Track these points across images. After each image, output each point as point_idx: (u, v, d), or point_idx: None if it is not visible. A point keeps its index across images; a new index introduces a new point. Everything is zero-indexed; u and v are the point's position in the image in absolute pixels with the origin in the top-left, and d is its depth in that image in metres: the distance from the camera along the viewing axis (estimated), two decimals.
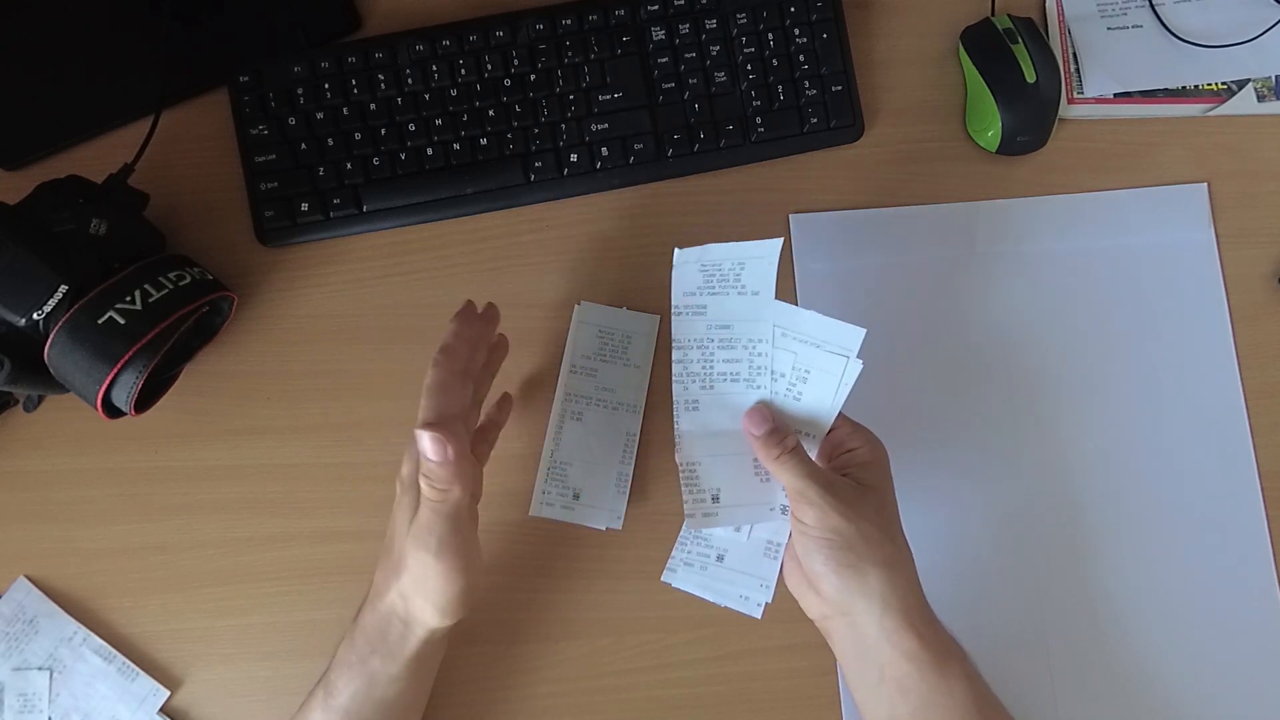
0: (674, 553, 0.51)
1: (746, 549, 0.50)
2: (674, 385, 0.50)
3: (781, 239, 0.49)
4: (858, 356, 0.47)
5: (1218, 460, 0.59)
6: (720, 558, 0.51)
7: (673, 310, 0.50)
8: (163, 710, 0.56)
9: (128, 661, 0.56)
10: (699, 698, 0.56)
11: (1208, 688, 0.57)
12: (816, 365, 0.48)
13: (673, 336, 0.50)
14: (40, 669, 0.56)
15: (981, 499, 0.58)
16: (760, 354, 0.49)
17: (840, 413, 0.49)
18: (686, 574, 0.51)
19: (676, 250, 0.49)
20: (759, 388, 0.50)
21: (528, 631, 0.57)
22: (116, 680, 0.56)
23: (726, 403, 0.50)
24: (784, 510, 0.50)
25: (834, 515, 0.45)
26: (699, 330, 0.50)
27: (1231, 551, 0.58)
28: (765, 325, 0.49)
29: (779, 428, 0.48)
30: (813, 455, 0.49)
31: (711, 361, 0.50)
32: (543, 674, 0.57)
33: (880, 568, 0.46)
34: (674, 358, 0.50)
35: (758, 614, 0.51)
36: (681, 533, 0.51)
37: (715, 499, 0.49)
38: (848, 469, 0.48)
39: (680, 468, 0.50)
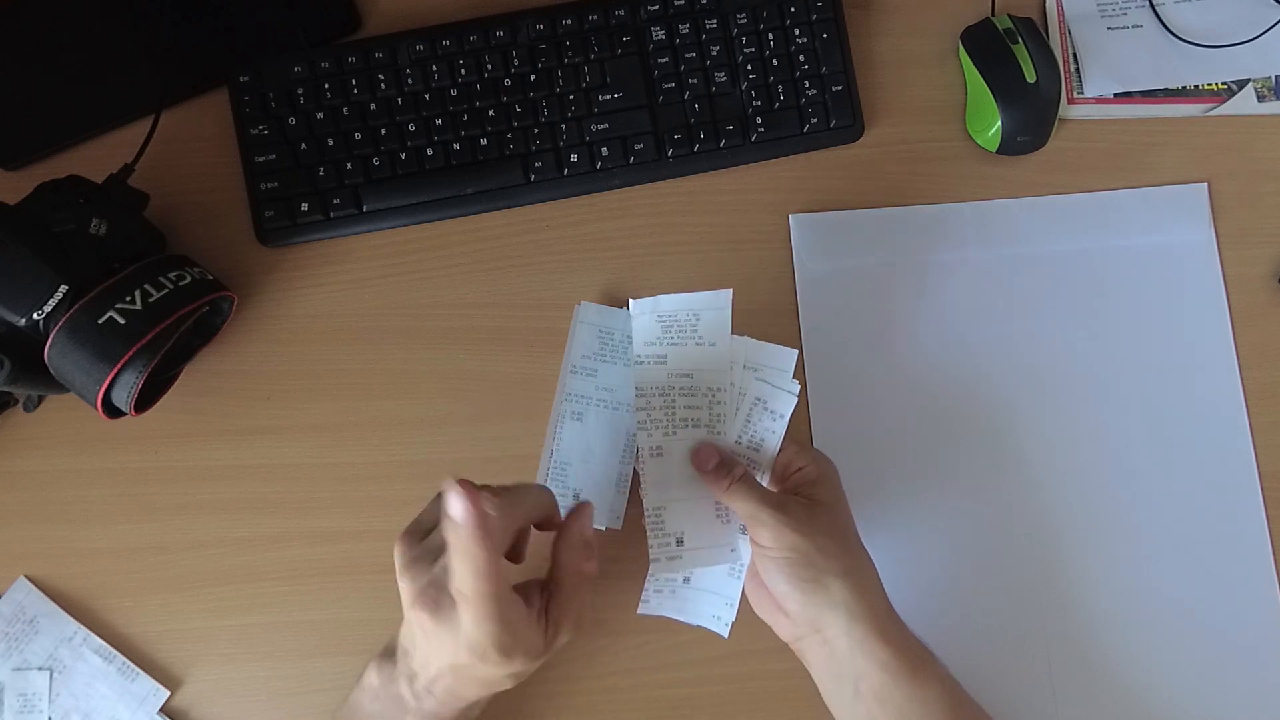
0: (645, 586, 0.53)
1: (711, 570, 0.52)
2: (638, 433, 0.53)
3: (731, 290, 0.51)
4: (794, 378, 0.50)
5: (1218, 460, 0.59)
6: (687, 580, 0.52)
7: (635, 359, 0.52)
8: (163, 710, 0.56)
9: (128, 661, 0.56)
10: (699, 698, 0.56)
11: (1208, 688, 0.57)
12: (756, 390, 0.49)
13: (635, 385, 0.53)
14: (40, 669, 0.56)
15: (981, 498, 0.58)
16: (720, 402, 0.52)
17: (786, 435, 0.51)
18: (659, 600, 0.53)
19: (632, 301, 0.53)
20: (718, 434, 0.52)
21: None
22: (116, 680, 0.56)
23: (690, 449, 0.52)
24: (742, 530, 0.51)
25: (789, 533, 0.46)
26: (661, 379, 0.52)
27: (1231, 551, 0.58)
28: (724, 374, 0.52)
29: (725, 460, 0.50)
30: (765, 480, 0.50)
31: (674, 408, 0.52)
32: (543, 674, 0.56)
33: (841, 578, 0.46)
34: (637, 405, 0.52)
35: (725, 632, 0.52)
36: (650, 572, 0.52)
37: (680, 542, 0.51)
38: (799, 488, 0.50)
39: (646, 512, 0.52)
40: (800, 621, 0.48)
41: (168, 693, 0.56)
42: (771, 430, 0.50)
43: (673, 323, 0.52)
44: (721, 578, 0.52)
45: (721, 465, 0.50)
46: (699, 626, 0.52)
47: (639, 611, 0.52)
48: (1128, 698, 0.57)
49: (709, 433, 0.52)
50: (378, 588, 0.57)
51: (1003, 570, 0.58)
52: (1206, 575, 0.58)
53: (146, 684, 0.56)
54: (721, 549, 0.51)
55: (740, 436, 0.50)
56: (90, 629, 0.57)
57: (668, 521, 0.51)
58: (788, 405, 0.50)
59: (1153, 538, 0.58)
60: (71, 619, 0.57)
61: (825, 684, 0.49)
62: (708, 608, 0.53)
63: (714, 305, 0.52)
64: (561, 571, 0.47)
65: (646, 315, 0.52)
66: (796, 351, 0.50)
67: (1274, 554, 0.58)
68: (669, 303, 0.52)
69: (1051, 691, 0.56)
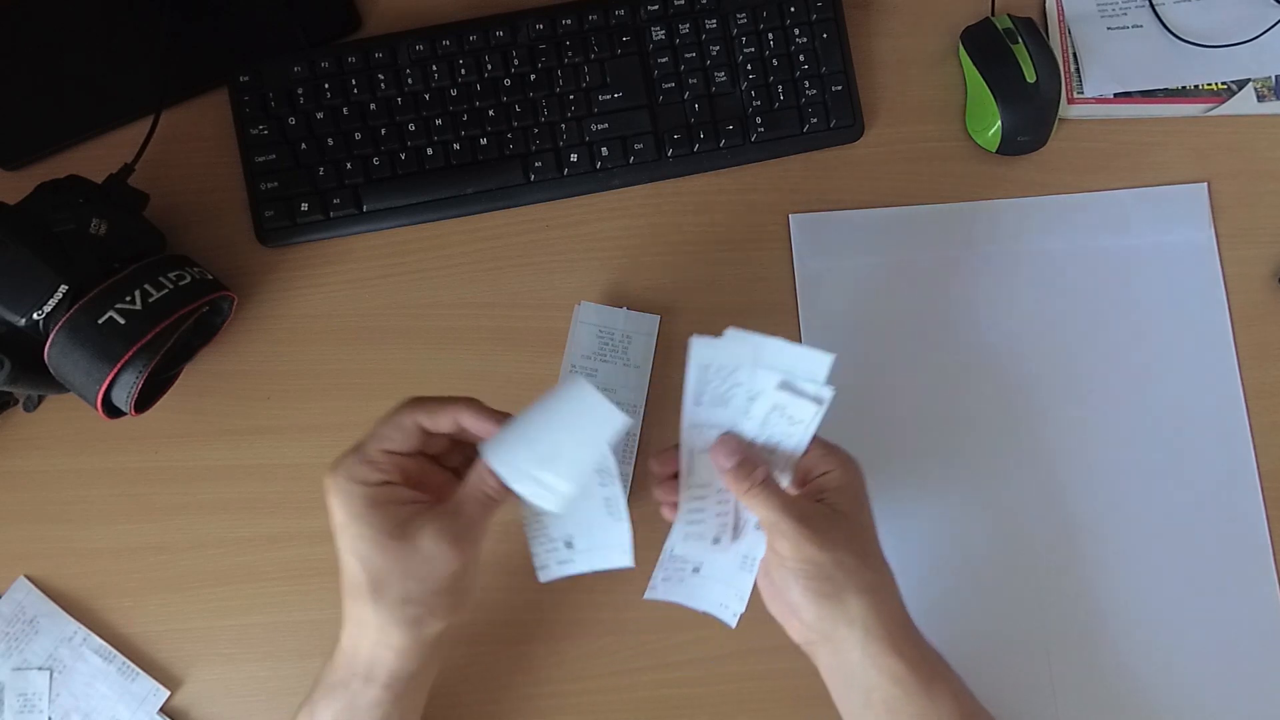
0: (654, 574, 0.51)
1: (722, 561, 0.50)
2: None
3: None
4: (827, 383, 0.46)
5: (1218, 460, 0.59)
6: (697, 569, 0.51)
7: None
8: (163, 710, 0.56)
9: (128, 661, 0.56)
10: (699, 698, 0.56)
11: (1208, 688, 0.57)
12: (784, 394, 0.47)
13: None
14: (40, 669, 0.56)
15: (980, 498, 0.58)
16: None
17: (813, 437, 0.48)
18: (666, 588, 0.51)
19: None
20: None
21: (528, 631, 0.57)
22: (116, 680, 0.56)
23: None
24: (757, 526, 0.50)
25: (809, 546, 0.44)
26: None
27: (1231, 551, 0.58)
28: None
29: (748, 459, 0.47)
30: (785, 482, 0.48)
31: None
32: (543, 674, 0.57)
33: (860, 594, 0.45)
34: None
35: (733, 623, 0.50)
36: (661, 556, 0.51)
37: (569, 544, 0.48)
38: (821, 494, 0.47)
39: (525, 521, 0.48)
40: (814, 631, 0.47)
41: (168, 693, 0.56)
42: (789, 434, 0.47)
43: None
44: (733, 569, 0.50)
45: (744, 464, 0.46)
46: (706, 614, 0.51)
47: (645, 596, 0.50)
48: (1127, 697, 0.57)
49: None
50: None
51: (1001, 570, 0.58)
52: (1206, 575, 0.58)
53: (146, 684, 0.56)
54: (613, 550, 0.48)
55: (757, 437, 0.48)
56: (90, 629, 0.57)
57: (552, 526, 0.48)
58: (808, 412, 0.46)
59: (1152, 538, 0.58)
60: (71, 619, 0.57)
61: (834, 688, 0.48)
62: (716, 596, 0.51)
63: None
64: (468, 475, 0.45)
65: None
66: (831, 357, 0.45)
67: (1274, 554, 0.58)
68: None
69: (1051, 691, 0.56)
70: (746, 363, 0.47)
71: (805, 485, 0.49)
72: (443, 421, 0.45)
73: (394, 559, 0.42)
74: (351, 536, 0.42)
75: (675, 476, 0.49)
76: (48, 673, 0.56)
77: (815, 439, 0.48)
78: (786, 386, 0.47)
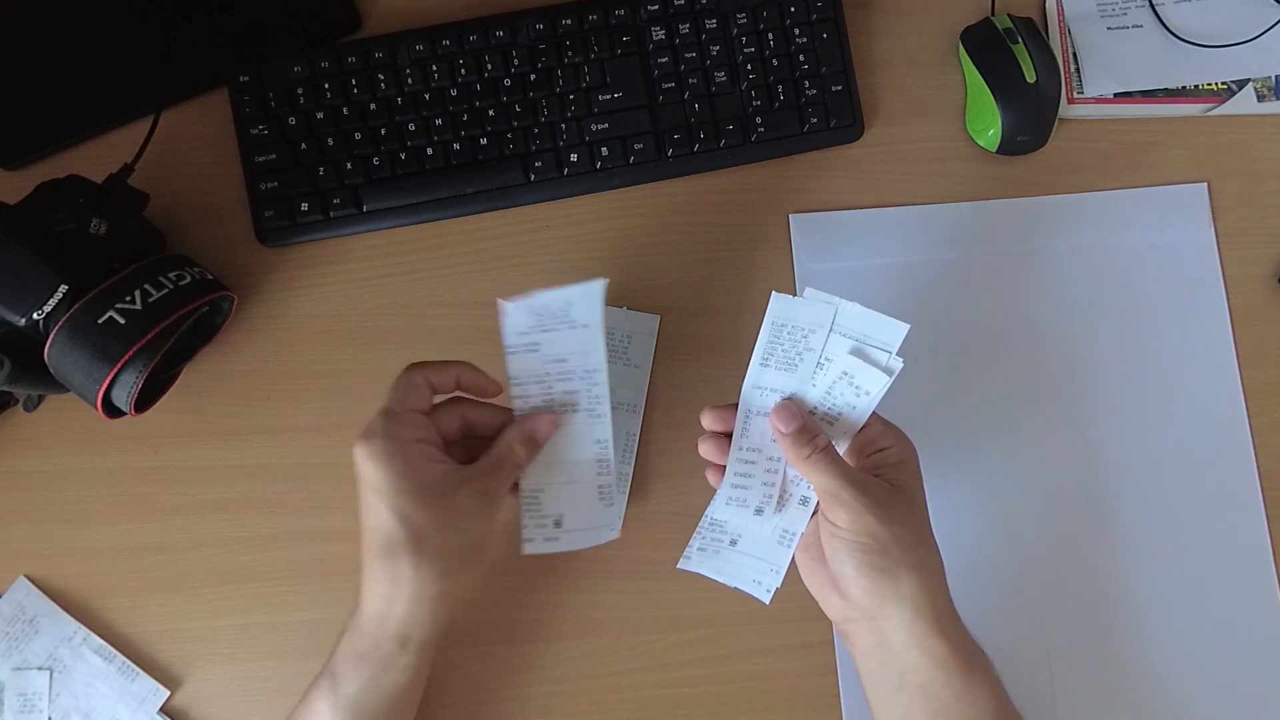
0: (690, 542, 0.50)
1: (760, 535, 0.49)
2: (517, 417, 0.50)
3: (605, 280, 0.48)
4: (898, 354, 0.46)
5: (1218, 460, 0.59)
6: (734, 542, 0.50)
7: (506, 351, 0.49)
8: (163, 710, 0.56)
9: (128, 661, 0.56)
10: (699, 698, 0.56)
11: (1208, 687, 0.57)
12: (855, 360, 0.46)
13: (510, 375, 0.49)
14: (40, 669, 0.56)
15: (980, 499, 0.58)
16: (597, 383, 0.50)
17: (874, 412, 0.47)
18: (700, 559, 0.50)
19: (500, 301, 0.49)
20: (599, 415, 0.50)
21: (528, 631, 0.57)
22: (116, 680, 0.56)
23: (568, 432, 0.50)
24: (802, 502, 0.49)
25: (869, 518, 0.44)
26: (535, 366, 0.50)
27: (1231, 551, 0.58)
28: (597, 354, 0.49)
29: (808, 425, 0.46)
30: (842, 453, 0.47)
31: (551, 394, 0.50)
32: (543, 674, 0.57)
33: (914, 572, 0.44)
34: (513, 394, 0.49)
35: (766, 599, 0.49)
36: (700, 524, 0.50)
37: (558, 524, 0.49)
38: (880, 469, 0.47)
39: (521, 494, 0.49)
40: (859, 607, 0.46)
41: (168, 693, 0.56)
42: (853, 406, 0.46)
43: (545, 311, 0.49)
44: (770, 544, 0.49)
45: (804, 431, 0.46)
46: (737, 590, 0.50)
47: (679, 566, 0.49)
48: (1128, 697, 0.57)
49: (589, 415, 0.50)
50: None
51: (1001, 571, 0.58)
52: (1206, 575, 0.58)
53: (146, 684, 0.56)
54: (602, 530, 0.49)
55: (818, 406, 0.47)
56: (90, 629, 0.57)
57: (545, 504, 0.49)
58: (877, 382, 0.46)
59: (1152, 537, 0.58)
60: (71, 619, 0.57)
61: (867, 668, 0.48)
62: (750, 572, 0.49)
63: (585, 293, 0.49)
64: (497, 443, 0.48)
65: (520, 308, 0.49)
66: (906, 327, 0.45)
67: (1274, 554, 0.58)
68: (544, 297, 0.49)
69: (1051, 691, 0.56)
70: (823, 326, 0.46)
71: (863, 459, 0.48)
72: (446, 378, 0.48)
73: (436, 513, 0.44)
74: (392, 493, 0.44)
75: (725, 436, 0.49)
76: (48, 673, 0.56)
77: (874, 414, 0.47)
78: (858, 353, 0.46)
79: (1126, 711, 0.56)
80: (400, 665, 0.46)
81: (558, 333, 0.49)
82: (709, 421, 0.50)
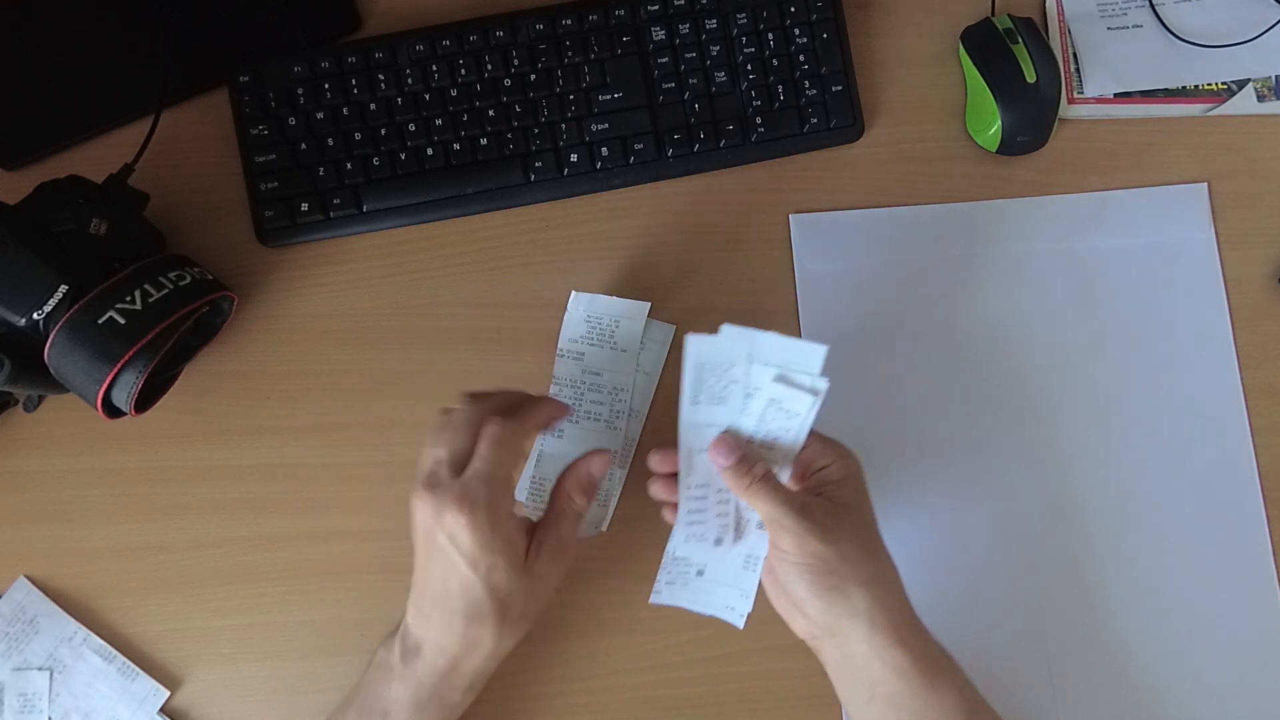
0: (658, 576, 0.51)
1: (726, 562, 0.51)
2: None
3: (649, 304, 0.57)
4: (822, 375, 0.47)
5: (1218, 460, 0.59)
6: (700, 572, 0.51)
7: (558, 352, 0.57)
8: (163, 710, 0.56)
9: (128, 661, 0.56)
10: (699, 698, 0.56)
11: (1208, 688, 0.57)
12: (780, 386, 0.48)
13: (554, 374, 0.57)
14: (40, 669, 0.56)
15: (980, 499, 0.58)
16: (620, 400, 0.57)
17: (812, 432, 0.48)
18: (670, 591, 0.51)
19: (573, 293, 0.57)
20: (615, 429, 0.57)
21: (528, 632, 0.57)
22: (116, 680, 0.56)
23: (587, 437, 0.56)
24: (759, 526, 0.50)
25: (812, 540, 0.44)
26: (575, 372, 0.57)
27: (1231, 551, 0.58)
28: (628, 376, 0.57)
29: (747, 456, 0.47)
30: (785, 477, 0.48)
31: (581, 401, 0.57)
32: (543, 674, 0.57)
33: (864, 587, 0.45)
34: (551, 392, 0.57)
35: (740, 624, 0.50)
36: (663, 559, 0.51)
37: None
38: (821, 488, 0.48)
39: (532, 480, 0.55)
40: (818, 625, 0.47)
41: (168, 693, 0.56)
42: (787, 429, 0.48)
43: (597, 325, 0.57)
44: (736, 570, 0.50)
45: (744, 461, 0.47)
46: (711, 618, 0.51)
47: (651, 600, 0.51)
48: (1128, 697, 0.57)
49: (607, 427, 0.56)
50: (378, 588, 0.57)
51: (1000, 571, 0.58)
52: (1206, 575, 0.58)
53: (146, 684, 0.56)
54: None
55: (754, 434, 0.49)
56: (90, 629, 0.57)
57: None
58: (804, 404, 0.47)
59: (1152, 538, 0.58)
60: (71, 619, 0.57)
61: (840, 683, 0.48)
62: (721, 599, 0.51)
63: (633, 315, 0.57)
64: (556, 497, 0.50)
65: (580, 311, 0.57)
66: (824, 349, 0.46)
67: (1274, 554, 0.58)
68: (600, 304, 0.57)
69: (1051, 691, 0.56)
70: (741, 359, 0.47)
71: (805, 480, 0.49)
72: (539, 424, 0.51)
73: (521, 584, 0.46)
74: (488, 569, 0.45)
75: (673, 476, 0.50)
76: (48, 673, 0.56)
77: (813, 433, 0.48)
78: (782, 380, 0.47)
79: (1127, 712, 0.56)
80: (461, 706, 0.49)
81: (601, 349, 0.57)
82: (656, 463, 0.51)
